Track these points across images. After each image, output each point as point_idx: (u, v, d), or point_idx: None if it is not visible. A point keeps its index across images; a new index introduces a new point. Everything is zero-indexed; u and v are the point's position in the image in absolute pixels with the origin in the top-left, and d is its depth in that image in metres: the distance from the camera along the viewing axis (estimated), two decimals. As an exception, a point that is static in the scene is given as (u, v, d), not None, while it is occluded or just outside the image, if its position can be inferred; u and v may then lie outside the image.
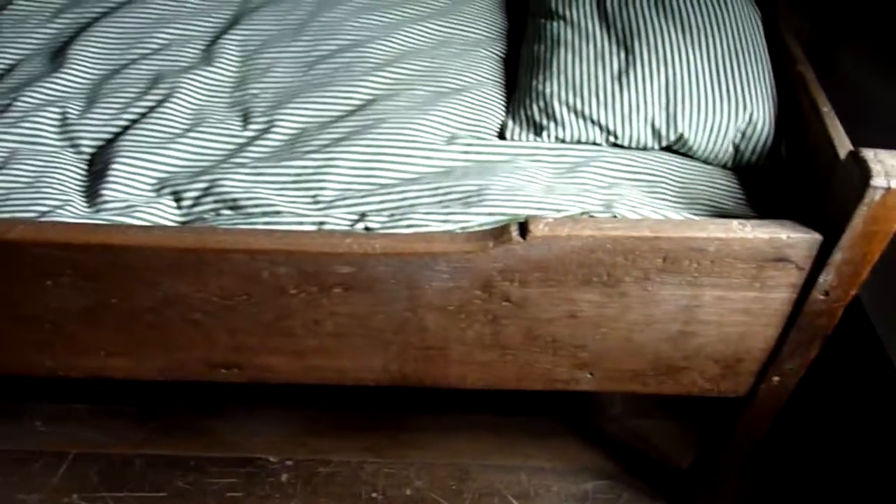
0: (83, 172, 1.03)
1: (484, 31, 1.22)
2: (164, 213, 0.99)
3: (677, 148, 1.06)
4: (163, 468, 1.34)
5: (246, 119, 1.07)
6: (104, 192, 0.99)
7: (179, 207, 1.00)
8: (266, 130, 1.05)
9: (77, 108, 1.09)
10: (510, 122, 1.08)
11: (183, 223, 0.99)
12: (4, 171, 1.00)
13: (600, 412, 1.42)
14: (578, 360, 1.02)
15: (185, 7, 1.22)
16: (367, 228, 0.94)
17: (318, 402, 1.45)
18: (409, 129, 1.03)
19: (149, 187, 1.01)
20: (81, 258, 0.92)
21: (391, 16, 1.20)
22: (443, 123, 1.05)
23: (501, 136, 1.07)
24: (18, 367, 1.07)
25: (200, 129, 1.06)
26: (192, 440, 1.39)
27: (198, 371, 1.07)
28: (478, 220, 0.94)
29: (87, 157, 1.05)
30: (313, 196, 0.99)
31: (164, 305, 0.97)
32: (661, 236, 0.88)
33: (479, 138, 1.05)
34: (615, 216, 0.93)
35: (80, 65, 1.14)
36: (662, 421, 1.40)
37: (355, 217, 0.96)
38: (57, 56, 1.16)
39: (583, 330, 0.98)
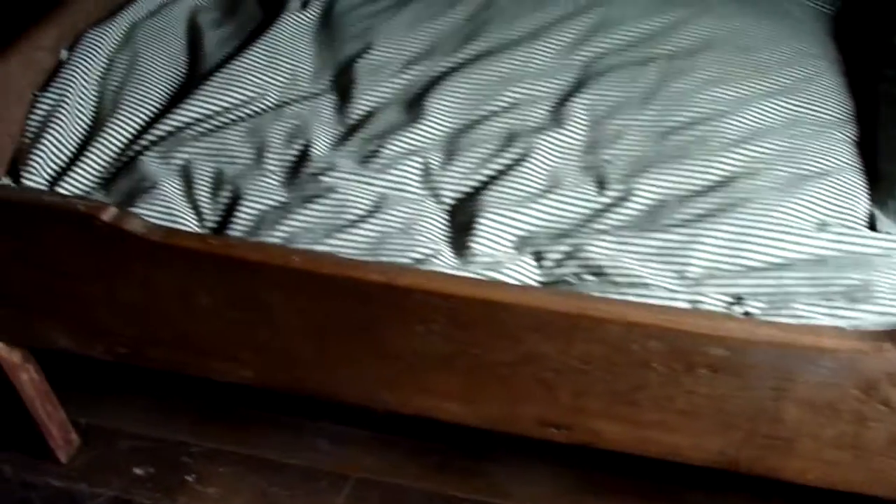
0: (446, 222, 1.08)
1: (834, 111, 1.18)
2: (526, 272, 1.02)
3: None
4: (438, 504, 1.37)
5: (601, 184, 1.09)
6: (472, 245, 1.03)
7: (540, 267, 1.03)
8: (624, 198, 1.07)
9: (437, 159, 1.14)
10: (879, 213, 1.03)
11: (544, 283, 1.02)
12: (379, 215, 1.07)
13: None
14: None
15: (529, 67, 1.26)
16: (746, 313, 0.93)
17: (589, 461, 1.44)
18: (777, 211, 1.01)
19: (510, 244, 1.05)
20: (459, 309, 0.96)
21: (740, 90, 1.19)
22: (810, 208, 1.02)
23: (871, 226, 1.03)
24: (357, 397, 1.12)
25: (557, 190, 1.09)
26: (467, 482, 1.41)
27: (526, 426, 1.09)
28: (868, 318, 0.90)
29: (448, 207, 1.11)
30: (679, 271, 0.99)
31: (522, 361, 0.99)
32: None
33: (849, 228, 1.01)
34: None
35: (436, 117, 1.20)
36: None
37: (729, 299, 0.95)
38: (413, 106, 1.23)
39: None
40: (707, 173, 1.08)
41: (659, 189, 1.07)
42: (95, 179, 1.21)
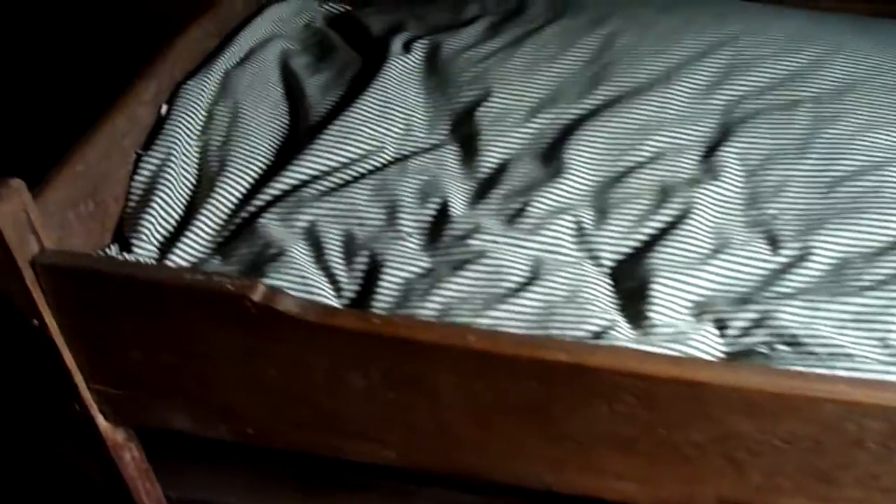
0: (611, 288, 1.01)
1: None
2: (710, 343, 0.94)
3: None
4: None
5: (773, 242, 1.02)
6: (650, 314, 0.95)
7: (724, 336, 0.95)
8: (802, 258, 0.99)
9: (589, 217, 1.07)
10: None
11: (730, 354, 0.94)
12: (540, 283, 0.99)
13: None
14: None
15: (667, 113, 1.19)
16: (970, 387, 0.86)
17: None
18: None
19: (687, 311, 0.97)
20: (653, 389, 0.88)
21: (897, 135, 1.13)
22: None
23: None
24: (515, 478, 1.04)
25: (727, 250, 1.01)
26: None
27: (701, 506, 1.01)
28: None
29: (608, 270, 1.03)
30: (881, 339, 0.92)
31: (715, 441, 0.91)
32: None
33: None
34: None
35: (578, 171, 1.12)
36: None
37: (946, 370, 0.88)
38: (549, 158, 1.15)
39: None
40: (888, 227, 1.01)
41: (839, 246, 1.00)
42: (209, 244, 1.13)
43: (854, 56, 1.25)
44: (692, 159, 1.13)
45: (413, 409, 0.97)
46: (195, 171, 1.20)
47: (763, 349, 0.93)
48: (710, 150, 1.14)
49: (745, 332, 0.94)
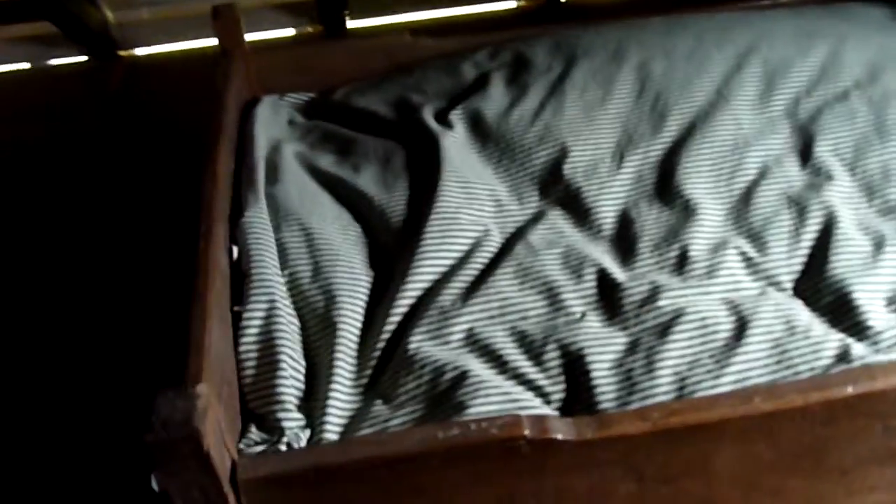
0: (811, 310, 0.99)
1: None
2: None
3: None
4: None
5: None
6: (870, 323, 0.94)
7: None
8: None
9: (748, 246, 1.04)
10: None
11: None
12: (754, 326, 0.93)
13: None
14: None
15: (745, 129, 1.20)
16: None
17: None
18: None
19: (887, 310, 0.98)
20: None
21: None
22: None
23: None
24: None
25: (889, 243, 1.03)
26: None
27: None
28: None
29: (791, 293, 1.01)
30: None
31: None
32: None
33: None
34: None
35: (706, 203, 1.10)
36: None
37: None
38: (668, 198, 1.11)
39: None
40: None
41: None
42: (357, 390, 0.96)
43: (858, 41, 1.35)
44: (795, 166, 1.15)
45: (685, 495, 0.89)
46: (298, 312, 1.02)
47: None
48: (804, 155, 1.16)
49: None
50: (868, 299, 0.97)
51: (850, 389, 0.84)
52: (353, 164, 1.24)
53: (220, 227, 1.01)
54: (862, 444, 0.89)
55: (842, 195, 1.10)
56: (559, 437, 0.79)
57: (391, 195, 1.16)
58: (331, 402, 0.93)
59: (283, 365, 0.95)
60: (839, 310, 0.97)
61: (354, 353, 0.99)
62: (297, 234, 1.09)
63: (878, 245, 1.04)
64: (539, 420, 0.80)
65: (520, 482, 0.82)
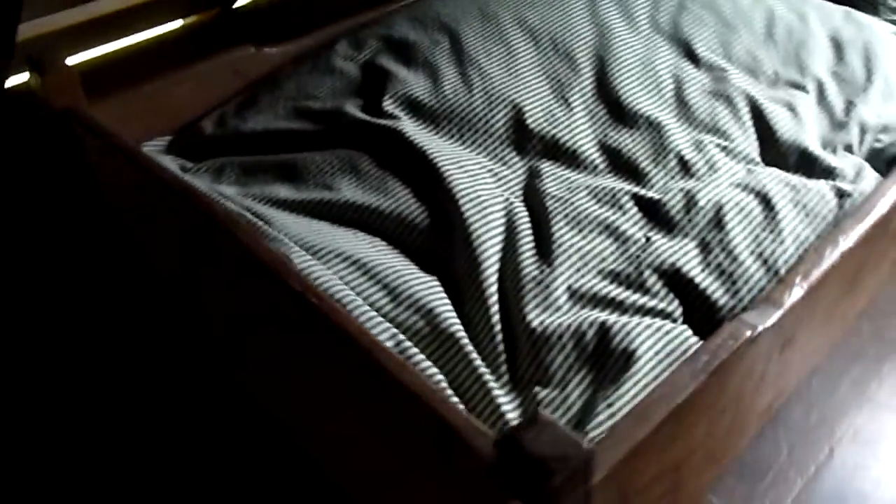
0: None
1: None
2: None
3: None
4: None
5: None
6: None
7: None
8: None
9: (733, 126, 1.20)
10: None
11: None
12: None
13: None
14: None
15: (640, 50, 1.34)
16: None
17: None
18: None
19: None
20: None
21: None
22: None
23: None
24: None
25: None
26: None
27: None
28: None
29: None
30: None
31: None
32: None
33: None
34: None
35: (667, 122, 1.22)
36: None
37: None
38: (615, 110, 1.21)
39: None
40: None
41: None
42: (507, 389, 0.92)
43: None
44: (693, 68, 1.32)
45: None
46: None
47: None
48: (692, 58, 1.34)
49: None
50: (815, 148, 1.19)
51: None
52: (318, 184, 1.12)
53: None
54: None
55: (740, 79, 1.31)
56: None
57: (395, 198, 1.08)
58: (501, 407, 0.88)
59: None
60: (805, 163, 1.18)
61: (480, 355, 0.93)
62: (341, 265, 0.97)
63: (792, 109, 1.26)
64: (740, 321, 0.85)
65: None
